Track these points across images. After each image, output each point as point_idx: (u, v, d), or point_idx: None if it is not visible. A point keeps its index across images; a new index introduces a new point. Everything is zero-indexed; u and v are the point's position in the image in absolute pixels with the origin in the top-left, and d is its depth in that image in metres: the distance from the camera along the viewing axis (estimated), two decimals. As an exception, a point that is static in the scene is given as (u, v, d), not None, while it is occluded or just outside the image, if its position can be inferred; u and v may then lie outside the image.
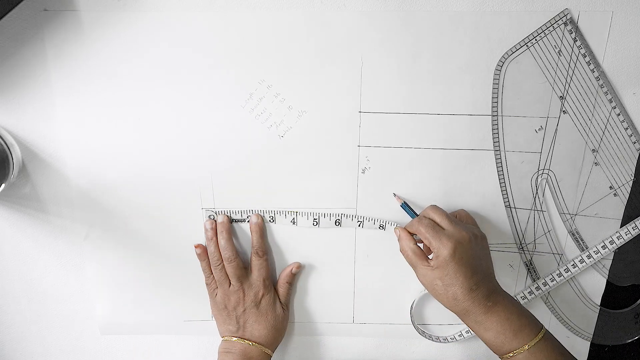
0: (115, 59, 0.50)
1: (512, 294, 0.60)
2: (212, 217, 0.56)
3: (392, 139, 0.53)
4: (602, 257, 0.57)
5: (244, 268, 0.56)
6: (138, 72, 0.51)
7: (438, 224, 0.49)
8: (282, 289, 0.57)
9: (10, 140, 0.52)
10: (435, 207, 0.51)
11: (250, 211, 0.56)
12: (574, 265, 0.57)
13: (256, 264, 0.55)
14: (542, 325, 0.48)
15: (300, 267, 0.58)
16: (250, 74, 0.51)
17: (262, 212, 0.56)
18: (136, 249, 0.57)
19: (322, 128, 0.53)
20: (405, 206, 0.54)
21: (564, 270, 0.58)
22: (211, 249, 0.55)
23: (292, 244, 0.58)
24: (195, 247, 0.56)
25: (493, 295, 0.47)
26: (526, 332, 0.46)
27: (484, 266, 0.49)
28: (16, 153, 0.52)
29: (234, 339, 0.55)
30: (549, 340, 0.47)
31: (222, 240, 0.55)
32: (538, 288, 0.58)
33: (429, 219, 0.49)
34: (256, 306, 0.55)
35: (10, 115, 0.52)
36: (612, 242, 0.56)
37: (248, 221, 0.56)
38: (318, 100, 0.52)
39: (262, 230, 0.56)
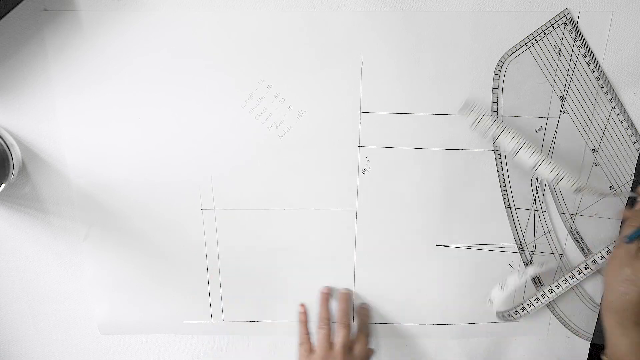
0: (116, 59, 0.50)
1: (511, 295, 0.60)
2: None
3: (392, 139, 0.53)
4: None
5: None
6: (138, 72, 0.51)
7: None
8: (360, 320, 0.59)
9: (10, 140, 0.52)
10: None
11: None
12: (579, 271, 0.57)
13: (361, 341, 0.57)
14: None
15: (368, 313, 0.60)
16: (250, 74, 0.51)
17: (262, 211, 0.56)
18: (136, 249, 0.57)
19: (322, 128, 0.53)
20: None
21: (569, 276, 0.58)
22: (324, 309, 0.58)
23: (292, 243, 0.58)
24: (300, 305, 0.59)
25: None
26: None
27: None
28: (16, 153, 0.52)
29: None
30: None
31: (345, 306, 0.57)
32: (544, 295, 0.58)
33: None
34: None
35: (10, 115, 0.52)
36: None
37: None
38: (318, 100, 0.52)
39: (347, 302, 0.58)
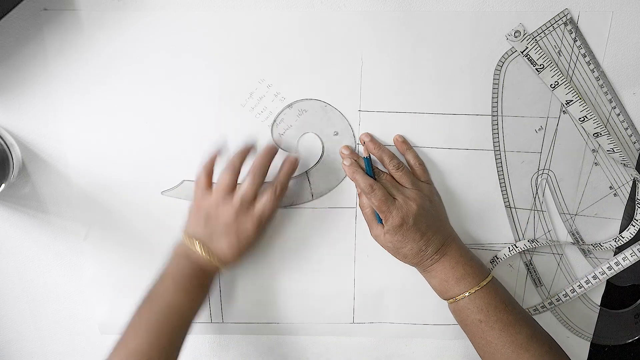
0: (116, 59, 0.50)
1: (512, 295, 0.60)
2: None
3: (392, 138, 0.53)
4: (615, 273, 0.57)
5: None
6: (138, 71, 0.51)
7: (391, 193, 0.50)
8: (280, 185, 0.51)
9: (10, 140, 0.52)
10: (404, 150, 0.53)
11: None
12: (587, 282, 0.58)
13: (267, 198, 0.50)
14: (489, 273, 0.51)
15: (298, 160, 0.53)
16: (250, 74, 0.51)
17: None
18: (136, 249, 0.57)
19: (322, 127, 0.53)
20: (367, 162, 0.52)
21: (577, 286, 0.58)
22: (237, 156, 0.51)
23: (291, 243, 0.58)
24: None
25: (442, 248, 0.51)
26: (469, 280, 0.49)
27: (435, 223, 0.51)
28: (16, 153, 0.52)
29: (197, 243, 0.50)
30: (492, 288, 0.50)
31: (264, 159, 0.50)
32: (551, 304, 0.59)
33: (382, 186, 0.50)
34: (237, 236, 0.51)
35: (10, 115, 0.52)
36: (632, 254, 0.56)
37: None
38: (318, 99, 0.52)
39: (293, 170, 0.52)
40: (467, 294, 0.49)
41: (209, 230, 0.51)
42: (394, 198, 0.50)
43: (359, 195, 0.53)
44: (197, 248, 0.51)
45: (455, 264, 0.50)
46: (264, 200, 0.50)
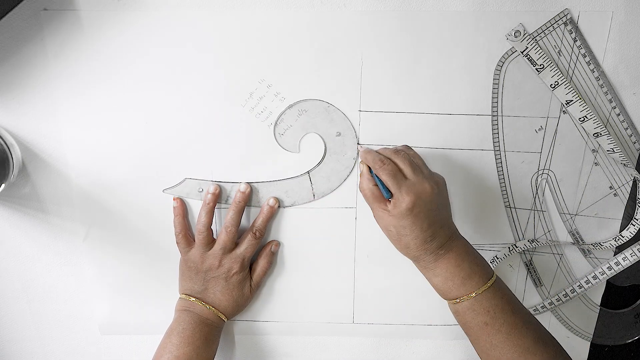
0: (116, 59, 0.50)
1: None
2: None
3: (392, 138, 0.53)
4: (615, 273, 0.57)
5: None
6: (138, 71, 0.51)
7: (402, 171, 0.47)
8: (260, 267, 0.57)
9: (10, 140, 0.52)
10: (405, 149, 0.50)
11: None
12: (587, 282, 0.57)
13: (248, 243, 0.54)
14: (493, 273, 0.47)
15: (278, 246, 0.57)
16: (250, 74, 0.51)
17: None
18: (136, 249, 0.57)
19: (321, 127, 0.53)
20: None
21: (577, 286, 0.58)
22: (206, 210, 0.54)
23: (291, 242, 0.58)
24: (174, 199, 0.55)
25: (447, 243, 0.47)
26: (475, 280, 0.46)
27: (443, 215, 0.48)
28: (16, 153, 0.52)
29: (193, 299, 0.55)
30: (499, 288, 0.47)
31: (232, 211, 0.53)
32: (551, 304, 0.59)
33: (394, 163, 0.48)
34: (226, 279, 0.55)
35: (10, 115, 0.52)
36: (632, 254, 0.56)
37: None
38: (318, 99, 0.52)
39: (272, 215, 0.55)
40: (473, 295, 0.45)
41: (200, 283, 0.55)
42: (404, 177, 0.47)
43: (360, 176, 0.50)
44: (196, 303, 0.55)
45: (462, 262, 0.46)
46: (245, 244, 0.54)
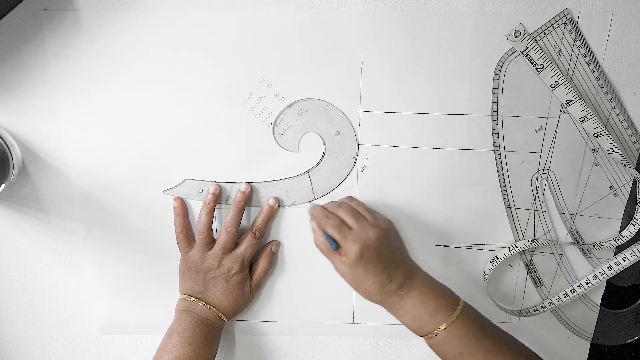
0: (116, 59, 0.50)
1: (512, 296, 0.60)
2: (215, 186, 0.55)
3: (392, 138, 0.53)
4: (615, 273, 0.57)
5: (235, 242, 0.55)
6: (138, 71, 0.51)
7: (345, 222, 0.48)
8: (260, 268, 0.57)
9: (10, 140, 0.52)
10: (347, 200, 0.52)
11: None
12: (587, 282, 0.57)
13: (248, 243, 0.55)
14: (460, 301, 0.48)
15: (279, 246, 0.58)
16: (250, 74, 0.51)
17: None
18: (136, 249, 0.57)
19: (322, 127, 0.53)
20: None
21: (577, 286, 0.58)
22: (207, 211, 0.54)
23: (291, 242, 0.58)
24: (175, 199, 0.55)
25: (408, 282, 0.48)
26: (442, 312, 0.46)
27: (396, 256, 0.49)
28: (16, 153, 0.52)
29: (193, 299, 0.55)
30: (467, 315, 0.47)
31: (232, 211, 0.54)
32: (551, 304, 0.58)
33: (337, 216, 0.49)
34: (226, 280, 0.55)
35: (10, 115, 0.52)
36: (632, 254, 0.56)
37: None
38: (318, 99, 0.52)
39: (272, 215, 0.56)
40: (443, 327, 0.46)
41: (201, 283, 0.55)
42: (349, 228, 0.48)
43: (313, 232, 0.50)
44: (196, 303, 0.55)
45: (426, 298, 0.47)
46: (245, 244, 0.55)
